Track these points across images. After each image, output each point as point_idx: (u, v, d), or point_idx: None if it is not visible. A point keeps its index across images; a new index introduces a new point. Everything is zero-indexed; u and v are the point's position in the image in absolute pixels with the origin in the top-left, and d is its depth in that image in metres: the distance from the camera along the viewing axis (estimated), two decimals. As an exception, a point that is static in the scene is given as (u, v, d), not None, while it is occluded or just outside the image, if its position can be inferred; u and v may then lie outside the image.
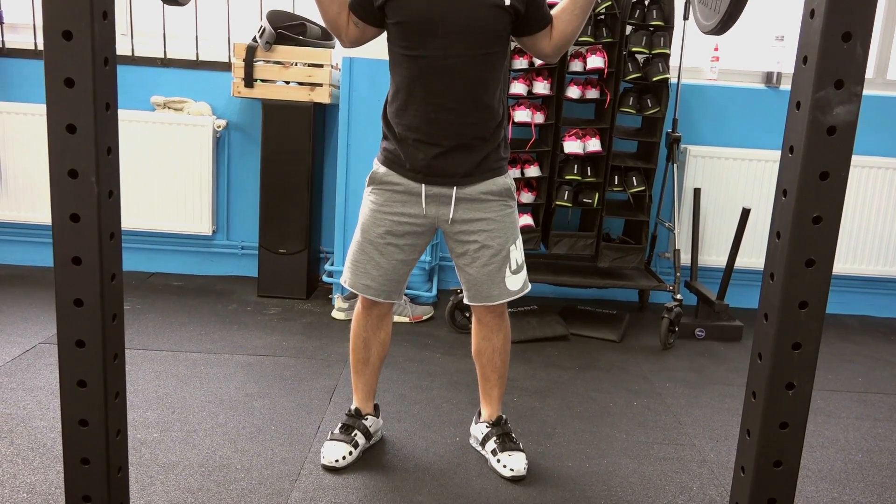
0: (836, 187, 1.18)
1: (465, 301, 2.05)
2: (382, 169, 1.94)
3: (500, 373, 2.12)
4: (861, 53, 1.16)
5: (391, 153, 1.93)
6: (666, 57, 3.15)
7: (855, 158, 2.94)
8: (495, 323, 2.06)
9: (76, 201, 1.21)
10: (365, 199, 1.97)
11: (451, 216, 1.92)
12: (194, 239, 3.76)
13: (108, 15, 1.23)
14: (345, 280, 2.00)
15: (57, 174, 1.20)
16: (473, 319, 2.11)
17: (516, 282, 1.98)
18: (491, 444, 2.08)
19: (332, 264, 3.52)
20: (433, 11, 1.79)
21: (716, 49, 3.60)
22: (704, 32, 1.99)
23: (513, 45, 2.49)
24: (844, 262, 3.65)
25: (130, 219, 3.62)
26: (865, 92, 1.34)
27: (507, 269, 1.95)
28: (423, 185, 1.90)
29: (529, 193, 3.27)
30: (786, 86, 3.70)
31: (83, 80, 1.18)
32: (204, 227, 3.68)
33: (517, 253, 1.97)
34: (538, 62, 3.11)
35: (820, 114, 1.16)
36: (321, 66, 3.36)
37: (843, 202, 1.20)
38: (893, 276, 3.71)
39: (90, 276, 1.24)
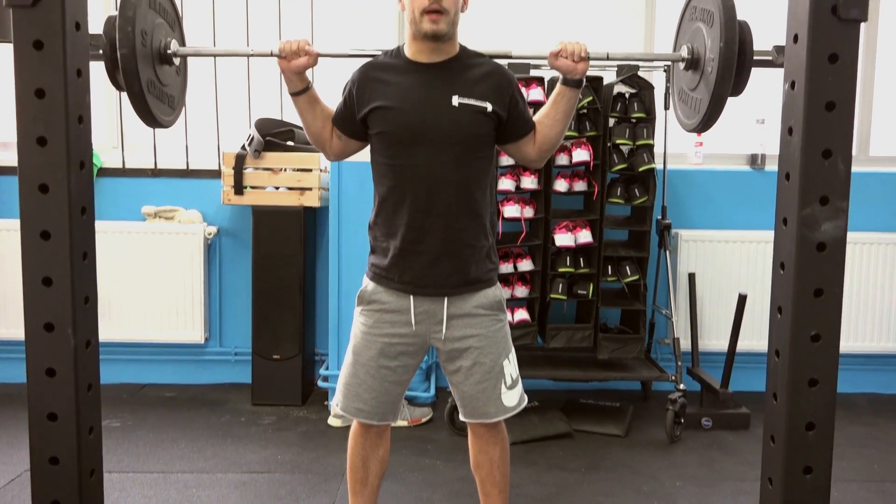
0: (831, 304, 1.16)
1: (461, 417, 1.98)
2: (371, 286, 1.91)
3: (500, 487, 2.04)
4: (843, 169, 1.15)
5: (379, 268, 1.90)
6: (650, 147, 3.18)
7: (849, 235, 2.95)
8: (491, 435, 1.98)
9: (50, 310, 1.17)
10: (355, 321, 1.94)
11: (443, 334, 1.88)
12: (187, 347, 3.70)
13: (83, 119, 1.22)
14: (337, 403, 1.95)
15: (31, 282, 1.16)
16: (469, 432, 2.03)
17: (512, 397, 1.92)
18: (496, 567, 1.98)
19: (326, 368, 3.46)
20: (416, 120, 1.80)
21: (699, 135, 3.66)
22: (687, 130, 2.01)
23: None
24: (846, 340, 3.60)
25: (122, 331, 3.58)
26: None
27: (503, 385, 1.90)
28: (413, 297, 1.87)
29: (523, 287, 3.24)
30: (770, 166, 3.74)
31: (57, 185, 1.15)
32: (196, 335, 3.63)
33: (511, 367, 1.93)
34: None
35: (808, 231, 1.15)
36: (310, 170, 3.39)
37: (841, 318, 1.17)
38: (898, 351, 3.65)
39: (64, 389, 1.18)
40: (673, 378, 3.18)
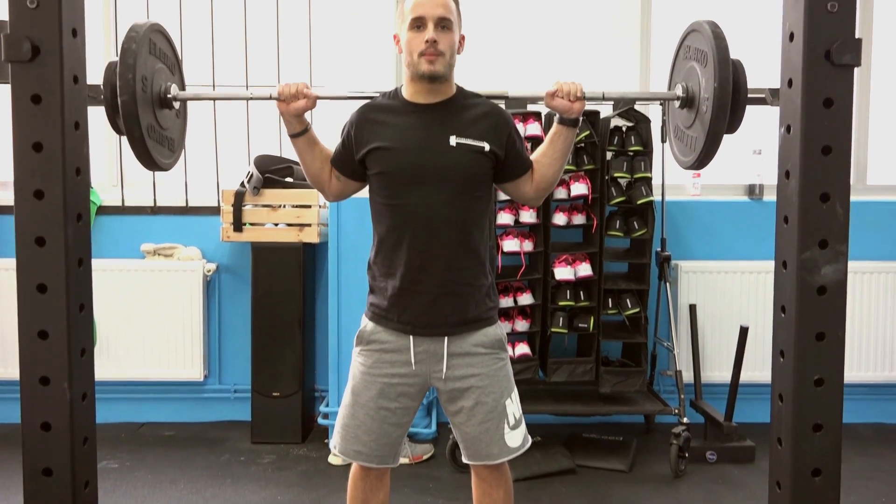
0: (833, 348, 1.15)
1: (464, 459, 1.95)
2: (370, 326, 1.90)
3: (504, 529, 2.00)
4: (842, 212, 1.15)
5: (378, 307, 1.89)
6: (648, 180, 3.19)
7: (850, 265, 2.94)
8: (494, 477, 1.95)
9: (46, 363, 1.15)
10: (354, 361, 1.92)
11: (444, 373, 1.86)
12: (186, 385, 3.68)
13: (81, 171, 1.22)
14: (335, 445, 1.93)
15: (26, 335, 1.15)
16: (472, 473, 2.00)
17: (516, 438, 1.90)
18: None
19: (326, 405, 3.42)
20: (414, 160, 1.81)
21: (696, 166, 3.66)
22: (683, 167, 2.01)
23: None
24: (849, 370, 3.57)
25: (121, 369, 3.57)
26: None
27: (506, 425, 1.88)
28: (412, 337, 1.85)
29: (524, 321, 3.23)
30: (768, 196, 3.74)
31: (54, 238, 1.15)
32: (195, 372, 3.61)
33: (514, 407, 1.90)
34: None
35: (808, 274, 1.14)
36: (309, 206, 3.40)
37: (844, 362, 1.16)
38: (902, 380, 3.63)
39: (60, 443, 1.16)
40: (676, 411, 3.15)
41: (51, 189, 1.11)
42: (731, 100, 1.70)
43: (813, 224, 1.11)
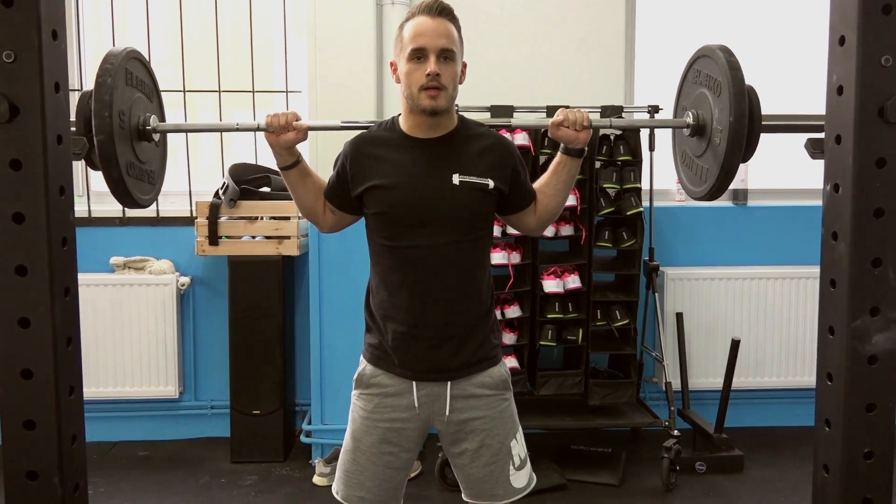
0: (884, 419, 1.10)
1: (464, 497, 1.88)
2: (369, 368, 1.80)
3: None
4: (894, 278, 1.09)
5: (378, 349, 1.80)
6: (637, 191, 3.14)
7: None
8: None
9: (31, 406, 1.04)
10: (353, 405, 1.82)
11: (447, 416, 1.78)
12: (160, 402, 3.54)
13: (67, 241, 1.11)
14: (337, 492, 1.83)
15: (7, 374, 1.04)
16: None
17: (521, 478, 1.83)
18: None
19: (309, 422, 3.32)
20: (416, 200, 1.70)
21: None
22: (694, 198, 1.95)
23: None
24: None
25: (91, 387, 3.40)
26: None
27: (511, 467, 1.81)
28: (415, 382, 1.77)
29: (512, 334, 3.16)
30: (752, 201, 3.72)
31: (38, 265, 1.03)
32: (170, 389, 3.48)
33: (519, 447, 1.83)
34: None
35: (858, 343, 1.08)
36: (288, 218, 3.27)
37: (894, 435, 1.11)
38: None
39: (49, 491, 1.04)
40: (666, 423, 3.12)
41: (34, 265, 0.99)
42: (746, 132, 1.64)
43: (864, 290, 1.05)
